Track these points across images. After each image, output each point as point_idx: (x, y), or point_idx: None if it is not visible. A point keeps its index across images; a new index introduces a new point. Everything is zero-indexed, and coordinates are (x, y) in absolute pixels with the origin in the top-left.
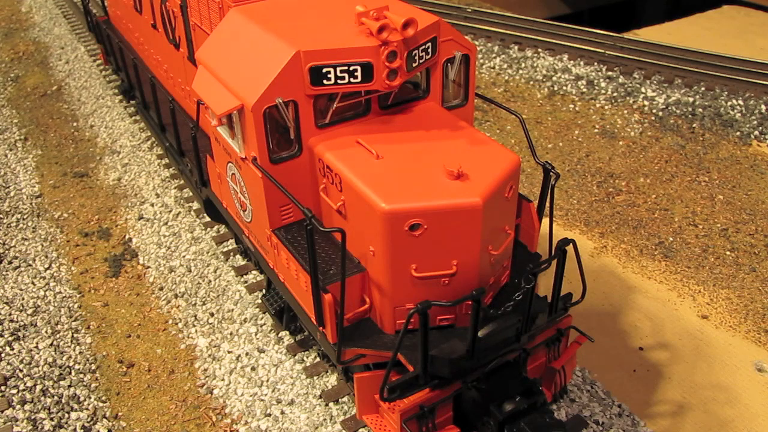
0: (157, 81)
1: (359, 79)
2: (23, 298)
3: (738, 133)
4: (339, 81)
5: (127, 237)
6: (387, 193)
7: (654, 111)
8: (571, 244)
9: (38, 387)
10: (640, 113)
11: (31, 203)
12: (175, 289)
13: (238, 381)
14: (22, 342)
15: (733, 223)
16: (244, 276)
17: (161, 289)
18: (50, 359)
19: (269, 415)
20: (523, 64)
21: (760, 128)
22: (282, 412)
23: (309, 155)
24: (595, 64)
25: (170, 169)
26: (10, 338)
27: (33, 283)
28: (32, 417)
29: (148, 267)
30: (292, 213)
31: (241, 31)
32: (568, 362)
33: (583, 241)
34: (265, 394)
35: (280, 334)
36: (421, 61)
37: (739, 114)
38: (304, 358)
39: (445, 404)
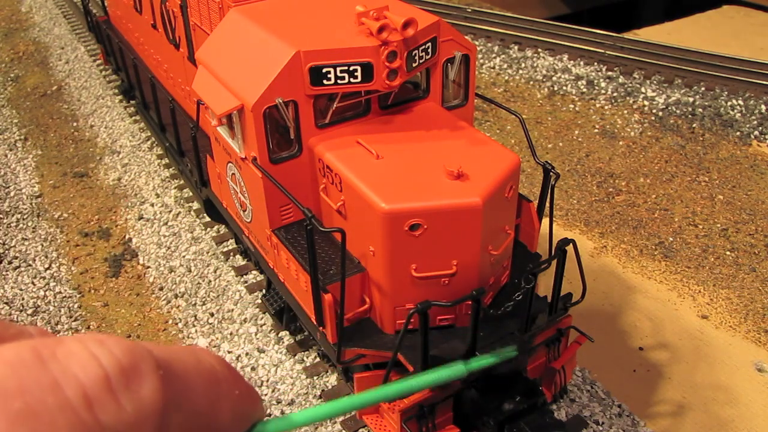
0: (157, 81)
1: (359, 79)
2: (23, 298)
3: (738, 133)
4: (339, 81)
5: (127, 237)
6: (387, 193)
7: (654, 111)
8: (571, 244)
9: None
10: (640, 113)
11: (31, 203)
12: (175, 289)
13: None
14: None
15: (733, 223)
16: (244, 276)
17: (161, 289)
18: None
19: (269, 415)
20: (523, 64)
21: (760, 128)
22: (282, 412)
23: (309, 155)
24: (595, 64)
25: (170, 169)
26: None
27: (33, 283)
28: None
29: (148, 267)
30: (292, 213)
31: (241, 31)
32: (568, 362)
33: (583, 241)
34: (265, 394)
35: (280, 334)
36: (421, 61)
37: (739, 114)
38: (304, 358)
39: (445, 404)
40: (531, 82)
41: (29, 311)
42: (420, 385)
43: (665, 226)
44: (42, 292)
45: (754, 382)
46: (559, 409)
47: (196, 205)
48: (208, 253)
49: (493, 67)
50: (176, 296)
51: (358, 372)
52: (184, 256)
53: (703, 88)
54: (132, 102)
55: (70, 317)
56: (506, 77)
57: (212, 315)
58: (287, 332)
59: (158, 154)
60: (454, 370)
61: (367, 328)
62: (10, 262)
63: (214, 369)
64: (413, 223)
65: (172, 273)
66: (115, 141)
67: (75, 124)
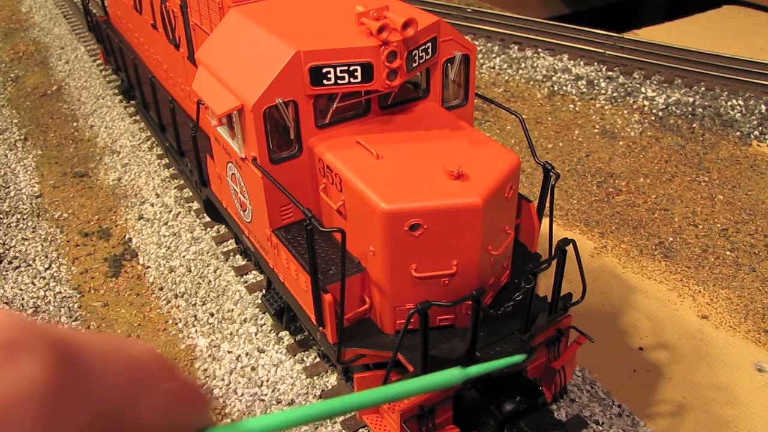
0: (157, 81)
1: (359, 79)
2: (23, 298)
3: (738, 133)
4: (339, 81)
5: (127, 237)
6: (387, 193)
7: (654, 111)
8: (571, 244)
9: None
10: (640, 113)
11: (31, 203)
12: (175, 289)
13: (238, 381)
14: None
15: (733, 223)
16: (244, 276)
17: (161, 289)
18: None
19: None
20: (523, 64)
21: (760, 128)
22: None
23: (309, 155)
24: (595, 64)
25: (170, 169)
26: None
27: (33, 283)
28: None
29: (148, 267)
30: (292, 213)
31: (241, 31)
32: (568, 362)
33: (583, 241)
34: (265, 394)
35: (280, 334)
36: (421, 61)
37: (739, 114)
38: (304, 358)
39: (445, 404)
40: (531, 82)
41: (29, 311)
42: (413, 389)
43: (665, 226)
44: (42, 292)
45: (754, 382)
46: (559, 409)
47: (196, 205)
48: (208, 253)
49: (493, 67)
50: (176, 296)
51: (358, 372)
52: (184, 256)
53: (703, 88)
54: (132, 102)
55: (70, 317)
56: (506, 77)
57: (212, 315)
58: (287, 332)
59: (158, 154)
60: (451, 375)
61: (367, 328)
62: (10, 262)
63: (137, 362)
64: (413, 223)
65: (172, 273)
66: (115, 141)
67: (75, 124)
